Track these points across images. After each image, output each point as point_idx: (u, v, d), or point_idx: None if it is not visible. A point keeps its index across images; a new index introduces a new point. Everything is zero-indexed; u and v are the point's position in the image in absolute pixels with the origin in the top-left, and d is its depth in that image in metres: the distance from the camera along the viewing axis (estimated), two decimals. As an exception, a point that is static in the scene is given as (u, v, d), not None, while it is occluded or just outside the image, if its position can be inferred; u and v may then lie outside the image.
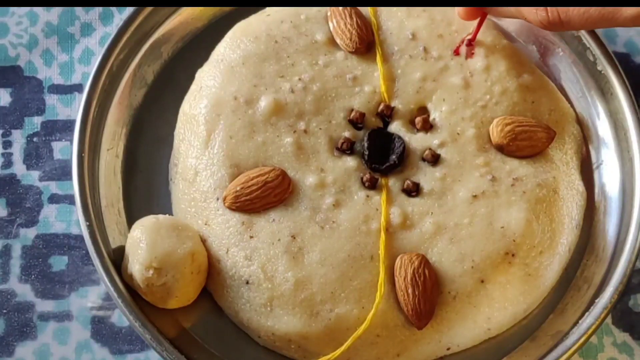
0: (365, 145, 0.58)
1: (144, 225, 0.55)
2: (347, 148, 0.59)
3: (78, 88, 0.65)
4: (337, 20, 0.61)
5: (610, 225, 0.60)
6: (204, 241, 0.57)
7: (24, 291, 0.61)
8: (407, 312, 0.55)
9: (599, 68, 0.62)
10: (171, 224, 0.56)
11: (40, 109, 0.65)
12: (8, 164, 0.63)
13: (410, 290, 0.55)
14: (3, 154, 0.63)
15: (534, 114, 0.60)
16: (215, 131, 0.58)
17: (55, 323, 0.60)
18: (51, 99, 0.65)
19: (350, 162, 0.58)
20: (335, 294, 0.55)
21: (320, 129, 0.59)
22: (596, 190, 0.61)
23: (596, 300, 0.57)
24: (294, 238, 0.56)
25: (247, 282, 0.56)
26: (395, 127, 0.60)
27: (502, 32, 0.63)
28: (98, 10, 0.67)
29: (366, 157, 0.58)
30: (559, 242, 0.58)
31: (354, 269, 0.55)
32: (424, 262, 0.55)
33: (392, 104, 0.60)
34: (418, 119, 0.59)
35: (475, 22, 0.60)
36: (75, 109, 0.64)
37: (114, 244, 0.58)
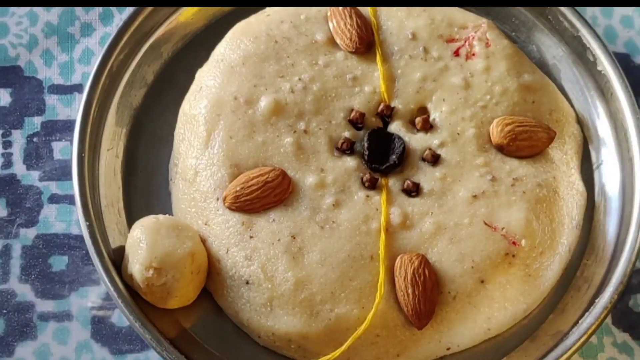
0: (365, 145, 0.58)
1: (144, 225, 0.55)
2: (347, 148, 0.59)
3: (78, 88, 0.65)
4: (337, 20, 0.61)
5: (610, 225, 0.60)
6: (204, 241, 0.57)
7: (24, 291, 0.61)
8: (407, 312, 0.55)
9: (599, 68, 0.62)
10: (171, 224, 0.56)
11: (40, 109, 0.65)
12: (8, 164, 0.63)
13: (410, 290, 0.55)
14: (3, 154, 0.63)
15: (534, 114, 0.60)
16: (215, 131, 0.58)
17: (55, 323, 0.60)
18: (51, 99, 0.65)
19: (350, 162, 0.58)
20: (335, 294, 0.55)
21: (320, 129, 0.59)
22: (596, 190, 0.61)
23: (596, 300, 0.57)
24: (294, 238, 0.56)
25: (247, 282, 0.56)
26: (395, 127, 0.60)
27: (503, 32, 0.63)
28: (98, 10, 0.67)
29: (366, 157, 0.58)
30: (559, 242, 0.58)
31: (354, 269, 0.55)
32: (424, 262, 0.55)
33: (392, 104, 0.60)
34: (418, 119, 0.59)
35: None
36: (75, 109, 0.64)
37: (114, 244, 0.58)
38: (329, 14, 0.61)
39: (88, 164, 0.58)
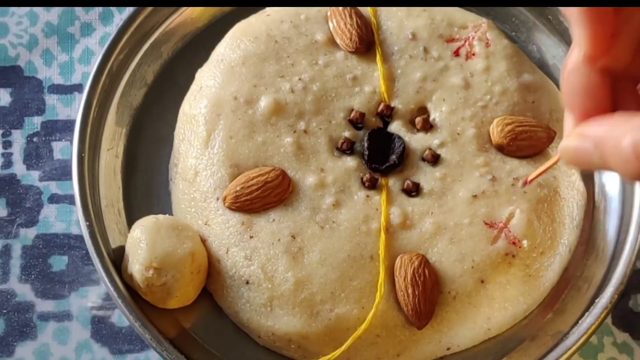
0: (365, 145, 0.58)
1: (144, 225, 0.55)
2: (347, 148, 0.59)
3: (78, 88, 0.65)
4: (337, 20, 0.61)
5: (610, 225, 0.60)
6: (204, 241, 0.57)
7: (24, 291, 0.61)
8: (407, 312, 0.55)
9: (599, 68, 0.62)
10: (171, 224, 0.56)
11: (40, 109, 0.65)
12: (8, 164, 0.63)
13: (410, 290, 0.55)
14: (3, 154, 0.64)
15: (534, 113, 0.60)
16: (215, 131, 0.58)
17: (55, 323, 0.60)
18: (51, 99, 0.65)
19: (350, 162, 0.58)
20: (335, 294, 0.55)
21: (320, 129, 0.59)
22: (596, 190, 0.61)
23: (596, 300, 0.57)
24: (294, 238, 0.56)
25: (247, 282, 0.56)
26: (395, 127, 0.60)
27: (503, 32, 0.63)
28: (98, 10, 0.67)
29: (366, 157, 0.58)
30: (559, 242, 0.58)
31: (354, 269, 0.55)
32: (424, 262, 0.55)
33: (392, 104, 0.60)
34: (418, 119, 0.59)
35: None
36: (75, 109, 0.64)
37: (114, 244, 0.58)
38: (329, 14, 0.61)
39: (88, 164, 0.58)
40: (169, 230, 0.55)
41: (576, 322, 0.57)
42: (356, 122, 0.59)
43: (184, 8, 0.63)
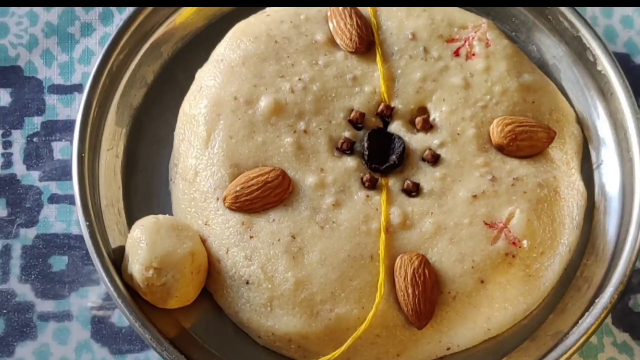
0: (365, 145, 0.58)
1: (144, 225, 0.55)
2: (347, 148, 0.59)
3: (78, 88, 0.65)
4: (337, 20, 0.61)
5: (610, 225, 0.60)
6: (204, 241, 0.57)
7: (24, 291, 0.61)
8: (407, 312, 0.55)
9: (599, 68, 0.62)
10: (171, 224, 0.56)
11: (40, 109, 0.65)
12: (8, 164, 0.63)
13: (410, 290, 0.55)
14: (3, 154, 0.63)
15: (534, 114, 0.60)
16: (215, 131, 0.58)
17: (55, 323, 0.60)
18: (51, 99, 0.65)
19: (350, 162, 0.58)
20: (335, 294, 0.55)
21: (320, 129, 0.59)
22: (596, 190, 0.61)
23: (596, 300, 0.57)
24: (294, 238, 0.56)
25: (247, 282, 0.56)
26: (395, 127, 0.60)
27: (503, 32, 0.63)
28: (98, 10, 0.67)
29: (366, 157, 0.58)
30: (559, 243, 0.58)
31: (354, 269, 0.55)
32: (424, 262, 0.55)
33: (392, 104, 0.60)
34: (418, 119, 0.59)
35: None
36: (75, 109, 0.64)
37: (114, 244, 0.58)
38: (329, 14, 0.61)
39: (88, 164, 0.58)
40: (169, 230, 0.55)
41: (576, 322, 0.57)
42: (356, 122, 0.59)
43: (184, 8, 0.63)
